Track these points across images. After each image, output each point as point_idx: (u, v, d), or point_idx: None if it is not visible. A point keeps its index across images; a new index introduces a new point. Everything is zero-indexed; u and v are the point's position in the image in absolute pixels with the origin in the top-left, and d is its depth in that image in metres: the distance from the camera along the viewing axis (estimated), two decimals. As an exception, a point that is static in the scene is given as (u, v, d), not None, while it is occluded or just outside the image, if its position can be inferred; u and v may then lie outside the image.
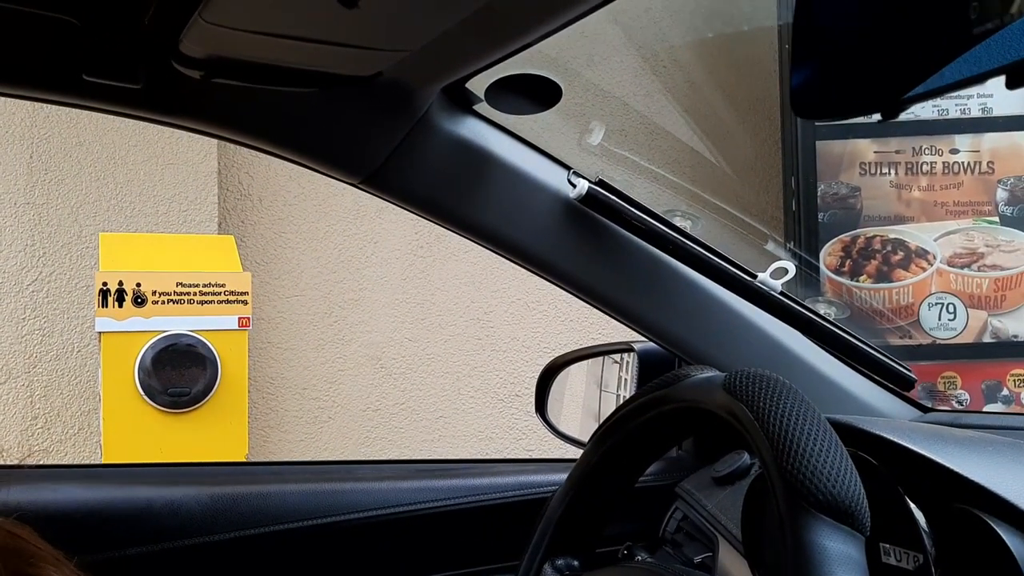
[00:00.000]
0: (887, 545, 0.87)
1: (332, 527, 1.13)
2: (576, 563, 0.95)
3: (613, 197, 1.06)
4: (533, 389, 3.03)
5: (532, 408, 3.04)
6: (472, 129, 1.01)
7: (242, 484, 1.13)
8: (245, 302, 2.31)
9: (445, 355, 3.03)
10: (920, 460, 0.81)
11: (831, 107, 0.60)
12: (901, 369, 1.19)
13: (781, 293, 1.13)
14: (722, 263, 1.10)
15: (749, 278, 1.12)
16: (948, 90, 0.49)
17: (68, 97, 0.87)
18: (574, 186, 1.05)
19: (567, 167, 1.07)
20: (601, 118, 3.06)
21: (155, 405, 2.21)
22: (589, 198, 1.05)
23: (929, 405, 1.26)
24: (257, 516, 1.10)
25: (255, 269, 2.85)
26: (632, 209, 1.07)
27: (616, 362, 1.54)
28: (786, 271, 1.12)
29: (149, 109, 0.89)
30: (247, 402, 2.37)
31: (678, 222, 1.10)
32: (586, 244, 1.07)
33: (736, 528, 1.05)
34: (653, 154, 3.12)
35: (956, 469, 0.77)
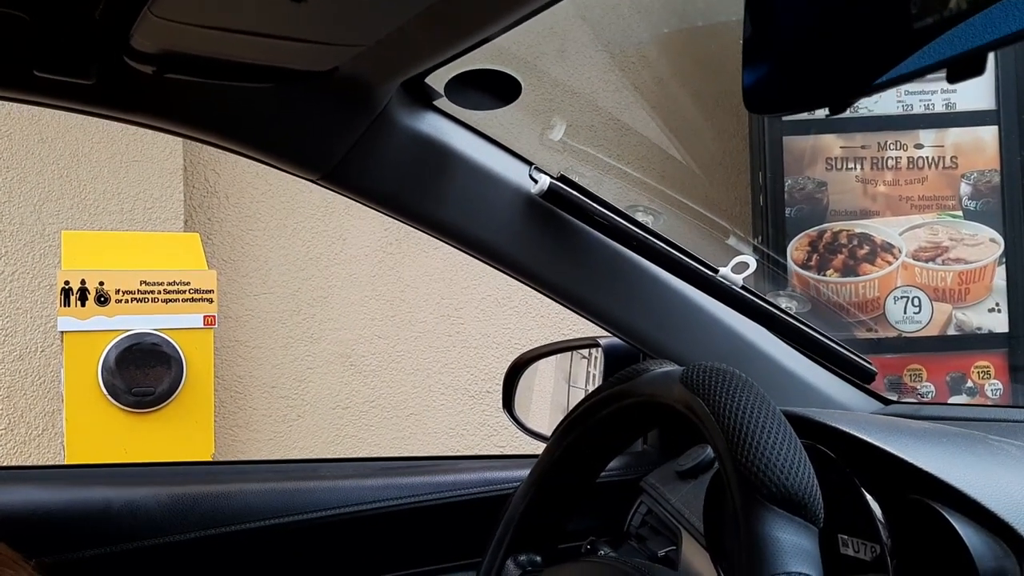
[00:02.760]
0: (845, 536, 0.88)
1: (295, 526, 1.12)
2: (539, 559, 0.95)
3: (575, 193, 1.06)
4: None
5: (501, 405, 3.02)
6: (432, 124, 1.00)
7: (203, 484, 1.12)
8: (210, 300, 2.29)
9: (415, 352, 3.03)
10: (876, 452, 0.82)
11: (781, 103, 0.60)
12: (862, 362, 1.20)
13: (742, 287, 1.14)
14: (684, 258, 1.11)
15: (711, 273, 1.12)
16: (891, 85, 0.49)
17: (20, 93, 0.86)
18: (536, 181, 1.05)
19: (529, 163, 1.07)
20: (570, 115, 3.06)
21: (119, 405, 2.19)
22: (551, 194, 1.05)
23: (894, 398, 1.27)
24: (219, 516, 1.09)
25: (222, 267, 2.83)
26: (594, 204, 1.07)
27: (584, 357, 1.54)
28: (747, 265, 1.13)
29: (102, 105, 0.88)
30: (213, 401, 2.35)
31: (640, 217, 1.11)
32: (548, 239, 1.07)
33: (699, 521, 1.05)
34: (622, 151, 3.13)
35: (910, 460, 0.78)
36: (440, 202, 1.03)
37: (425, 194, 1.02)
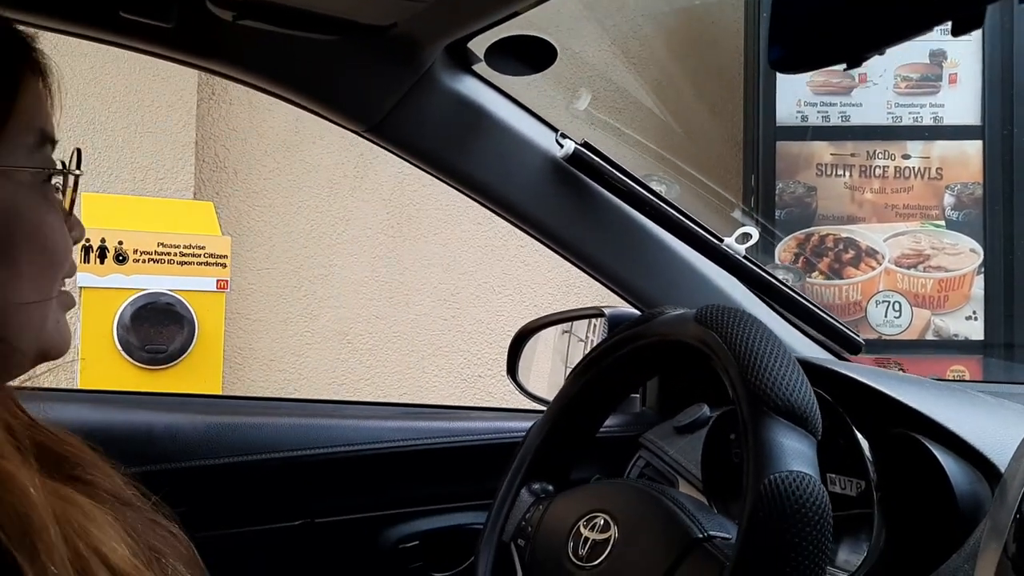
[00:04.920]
0: (832, 475, 0.97)
1: (320, 458, 1.20)
2: (551, 487, 1.03)
3: (596, 158, 1.14)
4: (495, 371, 3.11)
5: (493, 389, 3.11)
6: (470, 87, 1.09)
7: (237, 415, 1.20)
8: (224, 265, 2.37)
9: (411, 333, 3.10)
10: (863, 389, 0.90)
11: (803, 61, 0.69)
12: (850, 333, 1.29)
13: (744, 257, 1.22)
14: (693, 226, 1.20)
15: (716, 241, 1.21)
16: (900, 39, 0.58)
17: (102, 33, 0.93)
18: (561, 146, 1.14)
19: (555, 129, 1.15)
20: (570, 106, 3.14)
21: (132, 361, 2.25)
22: (574, 158, 1.13)
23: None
24: (252, 444, 1.17)
25: (228, 239, 2.90)
26: (613, 171, 1.15)
27: (581, 340, 1.62)
28: (750, 236, 1.22)
29: (176, 49, 0.95)
30: (222, 362, 2.42)
31: (655, 186, 1.19)
32: (569, 201, 1.16)
33: (695, 468, 1.14)
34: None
35: (896, 396, 0.87)
36: (473, 160, 1.11)
37: (460, 152, 1.10)
